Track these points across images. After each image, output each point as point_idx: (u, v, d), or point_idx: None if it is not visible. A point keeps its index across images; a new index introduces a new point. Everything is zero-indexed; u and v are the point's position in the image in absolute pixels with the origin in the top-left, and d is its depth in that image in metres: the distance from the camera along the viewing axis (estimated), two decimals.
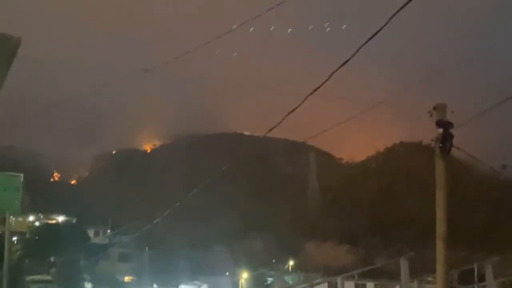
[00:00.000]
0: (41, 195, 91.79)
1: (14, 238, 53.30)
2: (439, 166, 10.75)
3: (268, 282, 76.76)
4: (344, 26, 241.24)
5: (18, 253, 60.13)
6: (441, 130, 10.56)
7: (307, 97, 12.01)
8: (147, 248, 75.23)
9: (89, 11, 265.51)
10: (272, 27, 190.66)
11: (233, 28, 14.10)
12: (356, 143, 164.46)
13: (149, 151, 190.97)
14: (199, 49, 15.28)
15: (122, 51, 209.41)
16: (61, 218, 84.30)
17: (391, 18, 9.14)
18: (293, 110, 12.56)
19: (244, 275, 77.70)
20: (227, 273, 78.50)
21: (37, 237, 65.99)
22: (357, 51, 10.00)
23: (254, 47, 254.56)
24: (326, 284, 41.43)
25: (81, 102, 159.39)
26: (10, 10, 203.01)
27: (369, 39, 9.65)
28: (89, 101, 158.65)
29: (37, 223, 77.14)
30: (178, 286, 66.89)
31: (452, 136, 10.52)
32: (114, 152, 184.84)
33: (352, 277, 37.22)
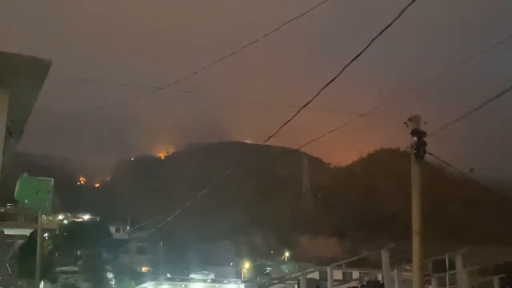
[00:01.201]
0: (69, 197, 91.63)
1: (46, 235, 53.10)
2: (414, 170, 10.76)
3: (267, 271, 76.44)
4: (332, 48, 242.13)
5: (49, 247, 59.91)
6: (415, 139, 10.58)
7: (300, 110, 12.03)
8: (161, 242, 75.03)
9: (115, 37, 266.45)
10: (270, 50, 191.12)
11: (234, 52, 14.13)
12: (343, 149, 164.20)
13: (163, 157, 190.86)
14: (207, 69, 15.31)
15: (141, 70, 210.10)
16: (86, 217, 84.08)
17: (372, 40, 9.18)
18: (288, 121, 12.58)
19: (246, 265, 77.46)
20: (232, 264, 78.26)
21: (65, 234, 65.72)
22: (342, 70, 10.04)
23: (254, 67, 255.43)
24: (317, 273, 41.28)
25: (105, 115, 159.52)
26: (42, 35, 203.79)
27: (353, 59, 9.69)
28: (112, 115, 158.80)
29: (65, 221, 76.83)
30: (188, 275, 66.64)
31: (425, 144, 10.54)
32: (133, 158, 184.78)
33: (340, 266, 37.10)
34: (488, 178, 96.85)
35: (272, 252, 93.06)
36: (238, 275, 74.30)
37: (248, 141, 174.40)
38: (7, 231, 14.87)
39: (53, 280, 50.22)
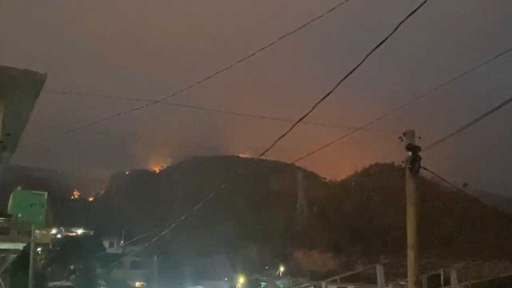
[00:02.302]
0: (62, 211, 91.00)
1: (39, 249, 52.60)
2: (409, 184, 10.74)
3: (262, 286, 75.94)
4: (328, 62, 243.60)
5: (42, 262, 59.30)
6: (410, 153, 10.57)
7: (295, 124, 12.02)
8: (156, 257, 74.52)
9: (110, 49, 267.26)
10: (266, 64, 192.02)
11: (229, 66, 14.18)
12: (338, 164, 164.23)
13: (158, 171, 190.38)
14: (202, 83, 15.36)
15: (137, 83, 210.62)
16: (80, 231, 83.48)
17: (368, 55, 9.22)
18: (283, 136, 12.55)
19: (241, 280, 76.95)
20: (226, 278, 77.74)
21: (59, 248, 65.20)
22: (337, 85, 10.05)
23: (250, 81, 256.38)
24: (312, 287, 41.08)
25: (99, 128, 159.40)
26: (38, 48, 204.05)
27: (348, 74, 9.72)
28: (106, 128, 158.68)
29: (59, 235, 76.23)
30: None
31: (419, 158, 10.54)
32: (127, 172, 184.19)
33: (335, 281, 36.89)
34: (483, 192, 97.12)
35: (267, 266, 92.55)
36: None
37: (243, 155, 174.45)
38: (0, 245, 14.72)
39: None
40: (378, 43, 8.99)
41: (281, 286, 71.02)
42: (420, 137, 10.72)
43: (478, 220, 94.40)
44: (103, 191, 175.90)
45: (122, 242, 77.35)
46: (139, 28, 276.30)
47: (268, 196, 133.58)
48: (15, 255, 17.12)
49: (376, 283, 24.64)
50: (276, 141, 13.02)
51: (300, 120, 11.69)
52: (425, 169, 10.72)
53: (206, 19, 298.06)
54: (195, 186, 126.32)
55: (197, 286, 67.06)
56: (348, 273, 36.66)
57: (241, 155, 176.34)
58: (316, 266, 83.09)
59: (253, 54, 13.31)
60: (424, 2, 8.23)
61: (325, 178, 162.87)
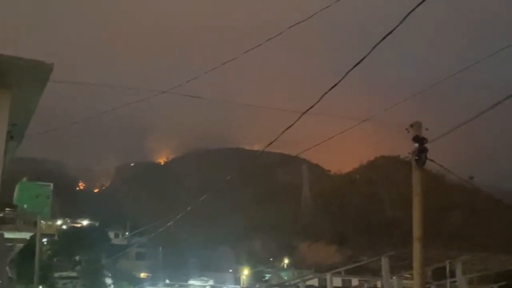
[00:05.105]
0: (68, 202, 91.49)
1: (44, 240, 52.88)
2: (415, 176, 10.72)
3: (266, 278, 76.19)
4: (335, 53, 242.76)
5: (47, 252, 59.65)
6: (417, 145, 10.55)
7: (300, 116, 12.00)
8: (160, 248, 74.87)
9: (116, 40, 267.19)
10: (273, 55, 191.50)
11: (235, 57, 14.14)
12: (343, 156, 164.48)
13: (163, 163, 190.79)
14: (208, 74, 15.34)
15: (143, 75, 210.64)
16: (85, 222, 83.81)
17: (374, 46, 9.20)
18: (288, 128, 12.52)
19: (245, 272, 77.19)
20: (231, 270, 78.05)
21: (64, 239, 65.56)
22: (344, 77, 10.04)
23: (256, 72, 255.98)
24: (317, 280, 41.12)
25: (104, 120, 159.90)
26: (46, 39, 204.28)
27: (355, 65, 9.69)
28: (111, 119, 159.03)
29: (64, 227, 76.57)
30: (187, 281, 66.48)
31: (426, 150, 10.51)
32: (132, 164, 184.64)
33: (340, 273, 36.88)
34: (488, 185, 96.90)
35: (271, 258, 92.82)
36: (237, 281, 74.09)
37: (248, 147, 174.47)
38: (7, 235, 14.85)
39: (51, 285, 49.99)
40: (385, 34, 8.96)
41: (285, 278, 71.13)
42: (427, 129, 10.69)
43: (484, 213, 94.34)
44: (109, 183, 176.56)
45: (127, 233, 77.69)
46: (148, 20, 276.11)
47: (273, 188, 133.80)
48: (22, 245, 17.28)
49: (381, 275, 24.67)
50: (282, 133, 13.00)
51: (306, 111, 11.68)
52: (432, 160, 10.69)
53: (214, 11, 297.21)
54: (200, 178, 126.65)
55: (202, 277, 67.40)
56: (353, 266, 36.67)
57: (246, 147, 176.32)
58: (320, 258, 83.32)
59: (259, 45, 13.28)
60: None
61: (330, 171, 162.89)
